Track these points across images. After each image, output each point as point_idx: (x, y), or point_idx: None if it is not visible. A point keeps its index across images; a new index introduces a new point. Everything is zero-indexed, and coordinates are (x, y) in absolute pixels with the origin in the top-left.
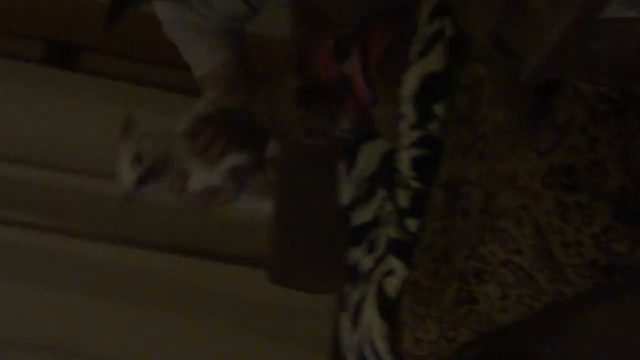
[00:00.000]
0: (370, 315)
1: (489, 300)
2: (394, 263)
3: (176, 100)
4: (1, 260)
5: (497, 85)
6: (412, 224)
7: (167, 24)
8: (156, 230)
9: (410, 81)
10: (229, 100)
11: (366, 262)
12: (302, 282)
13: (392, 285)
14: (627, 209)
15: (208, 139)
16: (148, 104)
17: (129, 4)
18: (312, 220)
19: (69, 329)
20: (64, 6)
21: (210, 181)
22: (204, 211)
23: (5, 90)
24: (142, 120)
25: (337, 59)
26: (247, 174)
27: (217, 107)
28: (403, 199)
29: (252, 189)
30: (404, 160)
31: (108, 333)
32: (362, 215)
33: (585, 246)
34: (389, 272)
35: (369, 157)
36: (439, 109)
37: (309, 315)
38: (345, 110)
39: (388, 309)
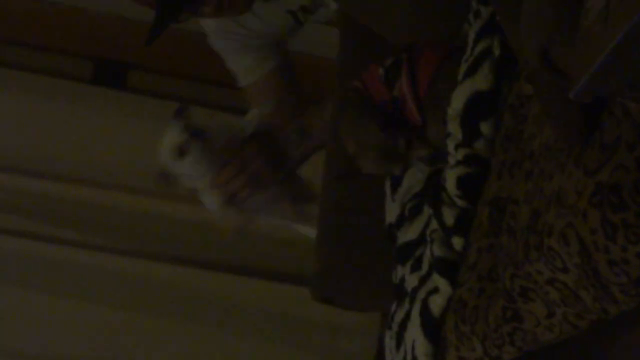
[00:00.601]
0: (415, 333)
1: (535, 319)
2: (439, 281)
3: (224, 118)
4: (18, 269)
5: (545, 104)
6: (457, 242)
7: (212, 35)
8: (200, 246)
9: (458, 100)
10: (273, 111)
11: (411, 280)
12: (347, 300)
13: (436, 304)
14: None
15: (230, 175)
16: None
17: (170, 19)
18: (358, 239)
19: (88, 342)
20: (113, 25)
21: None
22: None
23: (54, 108)
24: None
25: (387, 84)
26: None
27: (265, 126)
28: (448, 217)
29: (274, 210)
30: (450, 179)
31: (146, 348)
32: (408, 234)
33: (631, 264)
34: (434, 291)
35: (415, 175)
36: (485, 127)
37: (353, 333)
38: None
39: (432, 327)
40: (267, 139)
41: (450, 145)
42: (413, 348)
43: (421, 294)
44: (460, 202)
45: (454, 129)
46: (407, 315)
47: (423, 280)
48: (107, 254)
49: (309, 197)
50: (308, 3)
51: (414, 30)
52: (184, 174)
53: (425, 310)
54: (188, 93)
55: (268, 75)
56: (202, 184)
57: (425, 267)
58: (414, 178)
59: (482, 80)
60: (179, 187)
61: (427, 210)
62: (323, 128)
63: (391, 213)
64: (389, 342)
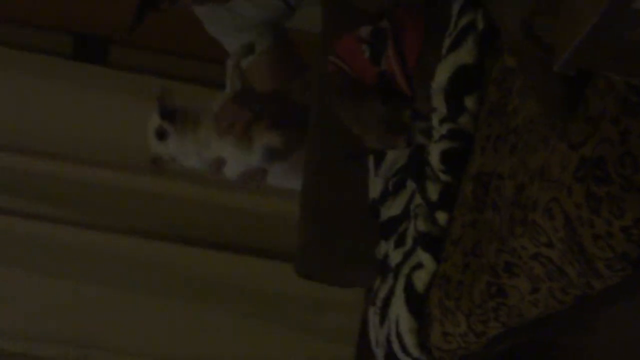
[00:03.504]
0: (399, 309)
1: (519, 294)
2: (423, 257)
3: (206, 93)
4: (16, 250)
5: (529, 78)
6: (441, 217)
7: (206, 21)
8: (185, 224)
9: (442, 74)
10: (273, 87)
11: (395, 256)
12: (331, 275)
13: (420, 279)
14: None
15: (231, 116)
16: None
17: (150, 6)
18: (341, 214)
19: (86, 321)
20: (93, 1)
21: (248, 163)
22: (232, 205)
23: (34, 84)
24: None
25: (373, 61)
26: (284, 154)
27: (244, 87)
28: (433, 192)
29: (287, 166)
30: (434, 153)
31: (133, 326)
32: (392, 209)
33: (616, 239)
34: (418, 266)
35: (398, 150)
36: (469, 102)
37: (336, 308)
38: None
39: (416, 303)
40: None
41: (435, 120)
42: (397, 324)
43: (405, 270)
44: (444, 177)
45: (439, 103)
46: (391, 291)
47: (407, 256)
48: (86, 230)
49: None
50: None
51: None
52: (172, 154)
53: (409, 285)
54: (171, 69)
55: (266, 52)
56: (227, 150)
57: (409, 242)
58: (398, 153)
59: (466, 54)
60: (173, 167)
61: (410, 185)
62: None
63: (375, 188)
64: (373, 317)
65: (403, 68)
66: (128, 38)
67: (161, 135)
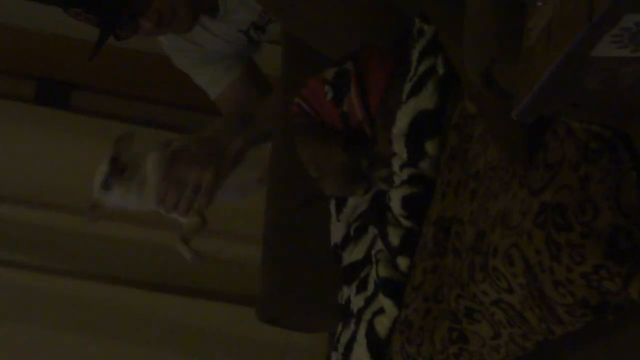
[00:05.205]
0: (361, 354)
1: (481, 340)
2: (385, 302)
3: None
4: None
5: (488, 124)
6: (402, 262)
7: (172, 55)
8: (149, 269)
9: (402, 119)
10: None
11: (357, 301)
12: (293, 321)
13: (382, 325)
14: (618, 247)
15: (174, 198)
16: (140, 142)
17: (109, 33)
18: (303, 259)
19: None
20: (55, 45)
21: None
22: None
23: None
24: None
25: (336, 102)
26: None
27: (195, 139)
28: (394, 237)
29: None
30: (395, 199)
31: None
32: (353, 254)
33: (576, 285)
34: (380, 311)
35: (359, 195)
36: (430, 146)
37: (300, 353)
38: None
39: (378, 348)
40: (195, 147)
41: (395, 165)
42: None
43: (367, 315)
44: (405, 222)
45: (399, 148)
46: (353, 336)
47: (369, 301)
48: (47, 274)
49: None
50: (256, 19)
51: (351, 42)
52: (115, 204)
53: (371, 331)
54: (133, 113)
55: (234, 84)
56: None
57: (370, 287)
58: (359, 198)
59: (426, 100)
60: (110, 215)
61: (372, 230)
62: (267, 116)
63: (336, 233)
64: None
65: (366, 111)
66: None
67: (107, 186)
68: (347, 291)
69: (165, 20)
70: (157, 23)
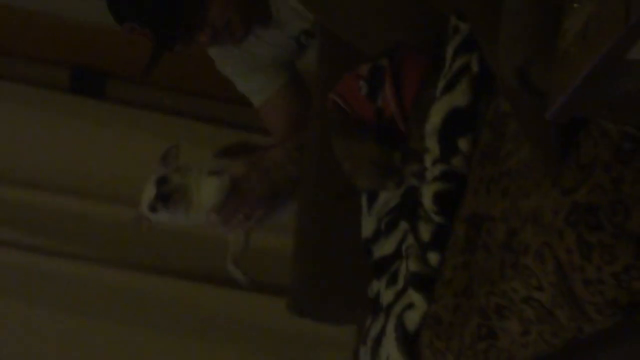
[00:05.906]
0: (389, 349)
1: (509, 336)
2: (414, 297)
3: (202, 130)
4: (18, 283)
5: (522, 123)
6: (433, 257)
7: (218, 61)
8: (179, 258)
9: (436, 116)
10: (287, 129)
11: (387, 295)
12: (323, 313)
13: (411, 320)
14: None
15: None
16: (174, 133)
17: (165, 49)
18: (335, 253)
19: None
20: (91, 34)
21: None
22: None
23: (31, 117)
24: (186, 153)
25: (370, 98)
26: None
27: (255, 168)
28: (425, 232)
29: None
30: (427, 194)
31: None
32: (384, 248)
33: (606, 284)
34: (409, 306)
35: (391, 190)
36: (463, 143)
37: (328, 345)
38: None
39: (407, 343)
40: (254, 178)
41: (428, 161)
42: None
43: (396, 309)
44: (436, 218)
45: (432, 144)
46: (382, 330)
47: (398, 296)
48: (86, 263)
49: None
50: (309, 27)
51: (387, 40)
52: (161, 221)
53: (400, 325)
54: (167, 103)
55: (280, 91)
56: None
57: (400, 282)
58: (391, 192)
59: (460, 97)
60: (154, 228)
61: (403, 225)
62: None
63: (367, 227)
64: (364, 356)
65: (400, 106)
66: (145, 79)
67: (154, 209)
68: (377, 285)
69: (220, 34)
70: (212, 37)
